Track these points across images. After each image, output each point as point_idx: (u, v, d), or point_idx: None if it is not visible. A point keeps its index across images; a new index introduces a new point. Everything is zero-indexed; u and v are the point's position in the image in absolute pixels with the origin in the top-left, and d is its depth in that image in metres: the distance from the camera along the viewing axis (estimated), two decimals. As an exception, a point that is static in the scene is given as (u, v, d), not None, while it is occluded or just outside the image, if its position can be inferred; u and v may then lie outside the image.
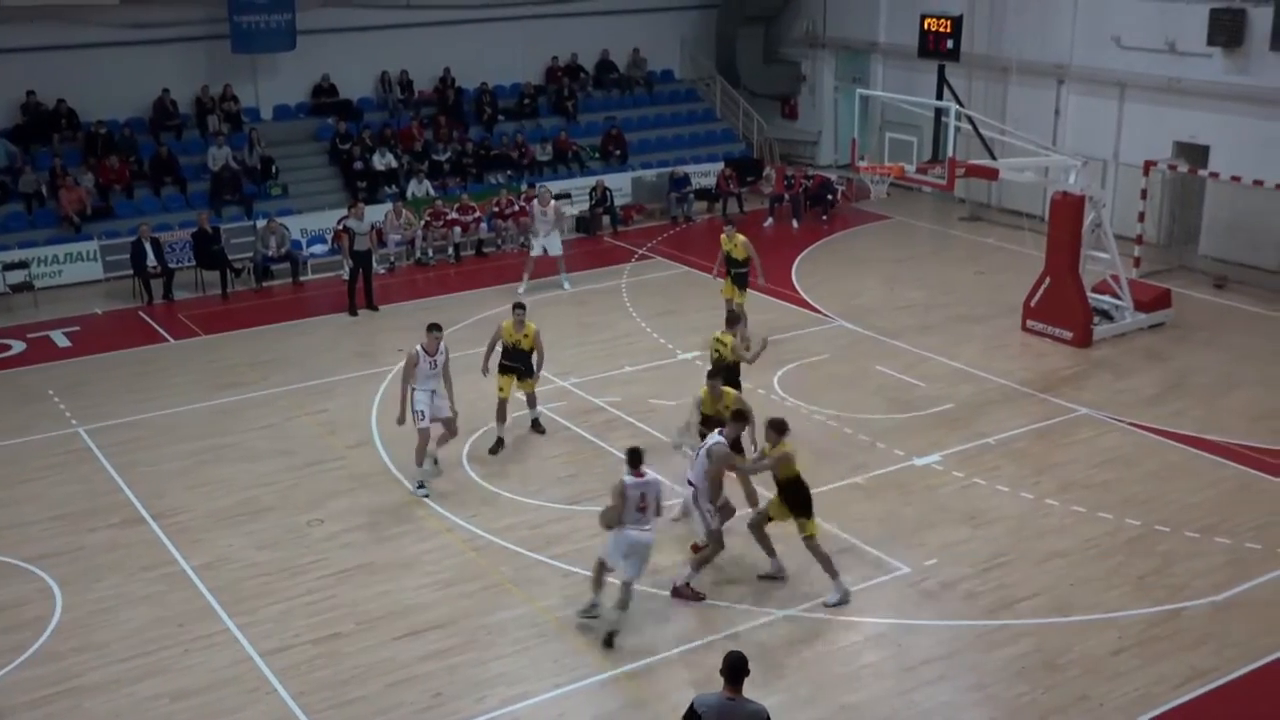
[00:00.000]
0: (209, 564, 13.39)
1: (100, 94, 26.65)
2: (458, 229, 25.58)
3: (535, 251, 23.06)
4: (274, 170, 27.15)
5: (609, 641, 11.63)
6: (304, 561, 13.39)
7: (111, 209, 25.50)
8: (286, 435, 16.72)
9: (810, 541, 12.34)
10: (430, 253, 25.42)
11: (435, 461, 15.28)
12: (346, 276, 22.16)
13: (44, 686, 11.28)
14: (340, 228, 22.79)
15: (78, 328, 21.72)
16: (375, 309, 22.20)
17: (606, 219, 27.74)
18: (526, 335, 15.87)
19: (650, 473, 11.79)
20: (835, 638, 11.89)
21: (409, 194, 26.94)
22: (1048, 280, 19.95)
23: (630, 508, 11.62)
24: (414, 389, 14.70)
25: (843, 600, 12.34)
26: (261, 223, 24.53)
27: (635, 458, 11.79)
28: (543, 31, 31.42)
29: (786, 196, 28.46)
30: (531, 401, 16.48)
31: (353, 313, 22.04)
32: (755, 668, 8.70)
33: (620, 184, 29.01)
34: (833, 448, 14.40)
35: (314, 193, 27.02)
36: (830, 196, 28.64)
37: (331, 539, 13.90)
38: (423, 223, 25.44)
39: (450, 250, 25.57)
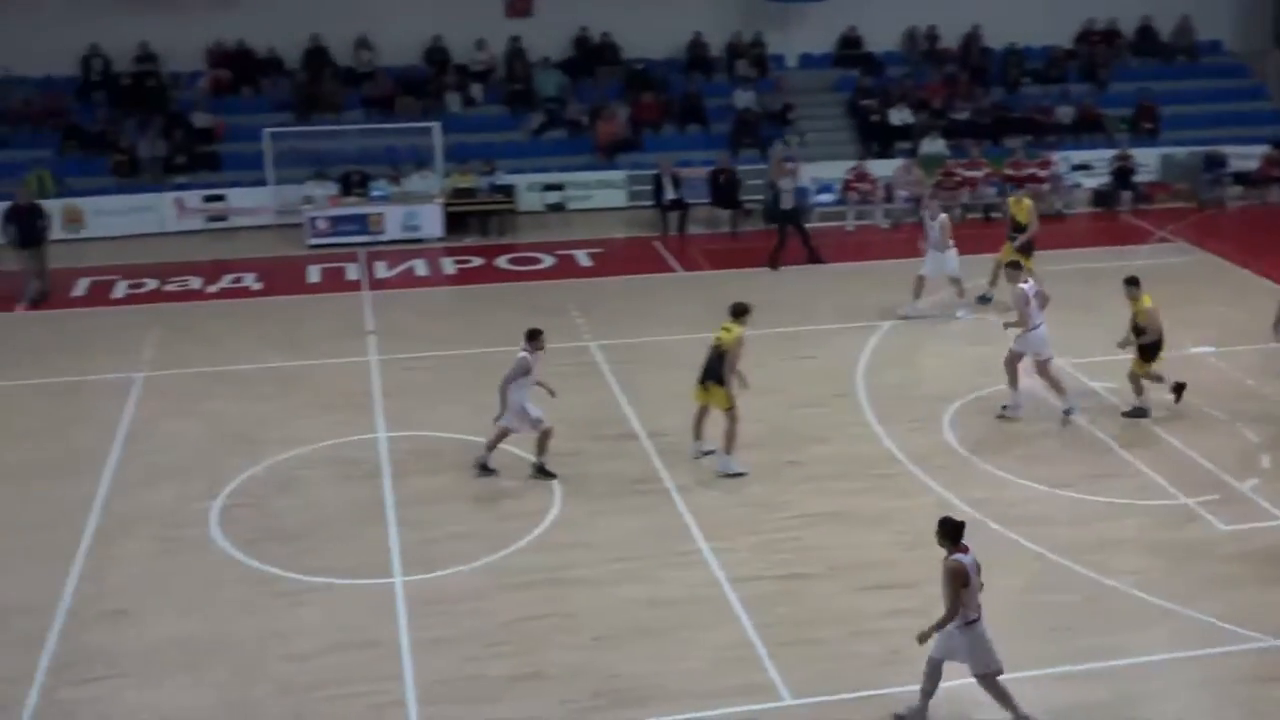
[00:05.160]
0: (689, 487, 14.13)
1: (641, 31, 28.35)
2: (966, 190, 25.20)
3: (945, 270, 19.63)
4: (792, 118, 27.83)
5: None
6: (780, 500, 13.86)
7: (640, 142, 27.21)
8: (778, 374, 17.07)
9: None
10: (936, 212, 25.24)
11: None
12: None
13: (536, 572, 12.40)
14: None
15: (600, 250, 23.51)
16: (821, 261, 22.21)
17: (1127, 195, 26.29)
18: None
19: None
20: None
21: (921, 151, 26.80)
22: None
23: (974, 592, 9.71)
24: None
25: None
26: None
27: (957, 531, 9.75)
28: (1084, -8, 30.04)
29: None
30: None
31: (773, 267, 22.09)
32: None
33: (1147, 160, 27.37)
34: None
35: (828, 142, 27.50)
36: None
37: (807, 482, 14.27)
38: (933, 182, 25.25)
39: (957, 211, 25.24)
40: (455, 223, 24.58)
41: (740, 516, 13.52)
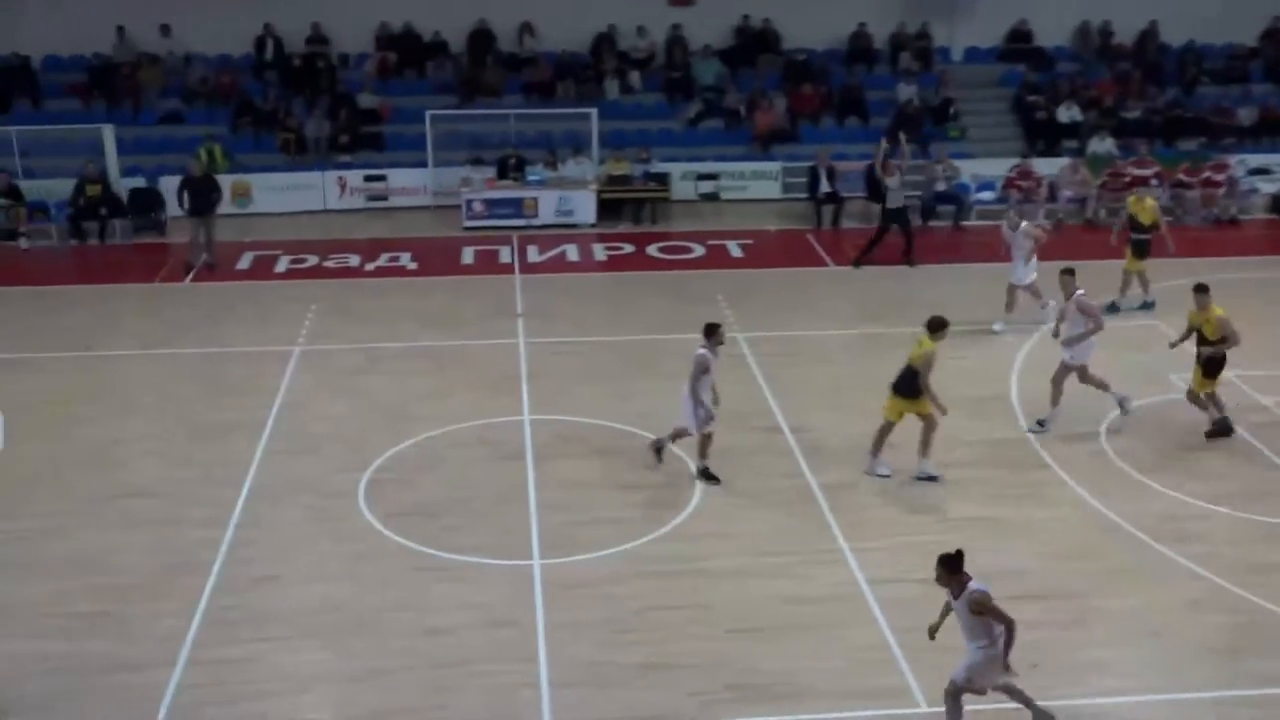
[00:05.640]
0: (833, 485, 13.94)
1: (803, 21, 28.10)
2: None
3: (1016, 278, 18.79)
4: (952, 113, 27.24)
5: None
6: (924, 503, 13.61)
7: (797, 133, 26.94)
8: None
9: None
10: (1102, 214, 24.39)
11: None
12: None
13: (673, 561, 12.37)
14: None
15: (752, 241, 23.37)
16: (911, 265, 21.61)
17: (1308, 202, 25.14)
18: None
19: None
20: None
21: (1089, 151, 25.98)
22: None
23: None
24: None
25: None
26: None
27: (957, 562, 9.40)
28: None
29: None
30: None
31: (909, 264, 21.58)
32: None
33: (1334, 165, 26.11)
34: None
35: (991, 139, 26.85)
36: None
37: (953, 487, 13.96)
38: (1099, 183, 24.45)
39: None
40: (608, 209, 24.70)
41: (883, 518, 13.29)
